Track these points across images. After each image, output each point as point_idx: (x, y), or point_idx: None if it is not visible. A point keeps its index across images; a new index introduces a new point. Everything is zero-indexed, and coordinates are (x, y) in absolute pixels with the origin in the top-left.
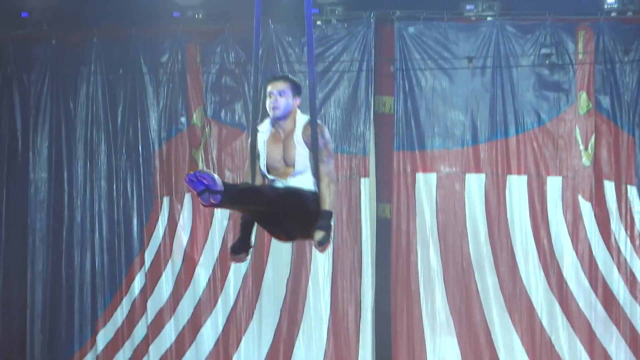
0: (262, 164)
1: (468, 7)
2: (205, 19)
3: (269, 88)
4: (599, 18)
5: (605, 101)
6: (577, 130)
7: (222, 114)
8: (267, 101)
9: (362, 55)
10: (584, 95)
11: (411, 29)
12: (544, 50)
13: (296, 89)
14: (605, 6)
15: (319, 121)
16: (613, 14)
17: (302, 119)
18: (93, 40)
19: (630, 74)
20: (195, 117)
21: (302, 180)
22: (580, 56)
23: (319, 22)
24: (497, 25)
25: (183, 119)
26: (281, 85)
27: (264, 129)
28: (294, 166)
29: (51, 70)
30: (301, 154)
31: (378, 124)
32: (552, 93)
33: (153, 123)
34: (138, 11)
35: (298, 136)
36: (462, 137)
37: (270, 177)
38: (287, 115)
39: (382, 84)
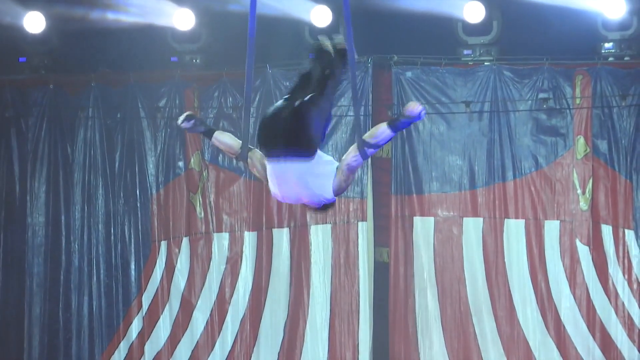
0: None
1: (465, 52)
2: (202, 64)
3: None
4: (596, 63)
5: (603, 146)
6: (575, 174)
7: (220, 158)
8: None
9: (359, 100)
10: (581, 140)
11: (409, 74)
12: (541, 95)
13: None
14: (603, 51)
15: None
16: (610, 59)
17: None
18: (91, 85)
19: (627, 119)
20: (193, 162)
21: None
22: (577, 101)
23: None
24: (494, 70)
25: (181, 164)
26: None
27: None
28: None
29: (49, 115)
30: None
31: (376, 168)
32: (550, 137)
33: (151, 167)
34: (136, 56)
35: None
36: (460, 181)
37: None
38: None
39: None
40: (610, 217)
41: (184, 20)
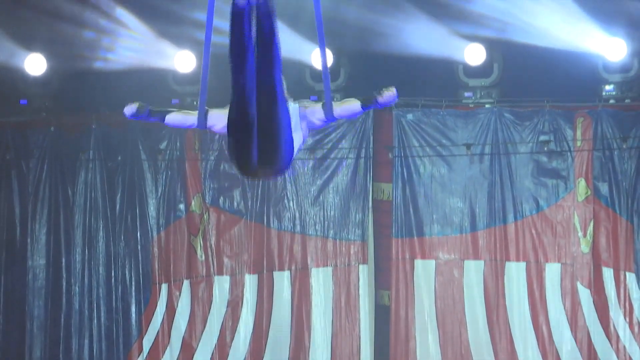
0: None
1: (466, 94)
2: None
3: None
4: (597, 105)
5: (604, 188)
6: (576, 217)
7: (221, 200)
8: None
9: (360, 142)
10: (582, 182)
11: (409, 116)
12: (542, 137)
13: None
14: (604, 93)
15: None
16: (611, 101)
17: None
18: (92, 127)
19: (628, 161)
20: (194, 204)
21: None
22: (578, 143)
23: None
24: (495, 113)
25: (182, 206)
26: None
27: None
28: None
29: (50, 157)
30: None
31: (376, 210)
32: (551, 180)
33: (152, 210)
34: (136, 98)
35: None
36: (461, 223)
37: None
38: None
39: (380, 171)
40: (612, 259)
41: (184, 62)
